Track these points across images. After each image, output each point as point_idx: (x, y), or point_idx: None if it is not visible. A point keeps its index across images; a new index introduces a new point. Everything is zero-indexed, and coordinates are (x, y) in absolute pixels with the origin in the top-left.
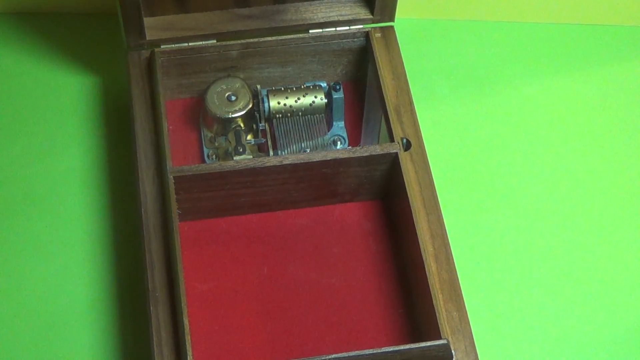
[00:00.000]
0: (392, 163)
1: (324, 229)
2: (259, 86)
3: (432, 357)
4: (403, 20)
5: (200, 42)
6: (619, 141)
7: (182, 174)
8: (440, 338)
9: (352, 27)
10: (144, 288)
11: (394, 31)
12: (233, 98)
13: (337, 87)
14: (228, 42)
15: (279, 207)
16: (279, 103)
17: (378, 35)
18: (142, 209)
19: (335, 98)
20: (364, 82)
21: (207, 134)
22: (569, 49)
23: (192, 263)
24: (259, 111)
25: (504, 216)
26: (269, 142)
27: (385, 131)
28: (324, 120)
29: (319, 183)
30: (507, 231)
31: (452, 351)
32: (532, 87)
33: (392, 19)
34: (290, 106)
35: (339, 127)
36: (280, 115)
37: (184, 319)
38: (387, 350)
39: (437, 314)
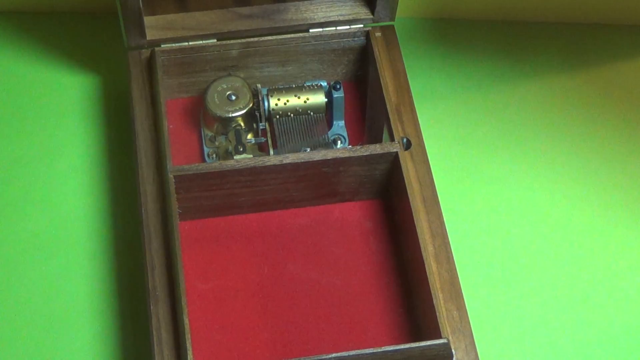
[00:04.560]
0: (393, 162)
1: (324, 229)
2: (259, 85)
3: (432, 356)
4: (403, 19)
5: (201, 42)
6: (619, 140)
7: (183, 173)
8: (440, 337)
9: (352, 27)
10: (144, 287)
11: (395, 30)
12: (233, 97)
13: (338, 87)
14: (228, 42)
15: (279, 206)
16: (279, 102)
17: (378, 34)
18: (142, 209)
19: (336, 97)
20: (365, 81)
21: (207, 133)
22: (569, 49)
23: (192, 262)
24: (259, 110)
25: (504, 215)
26: (269, 142)
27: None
28: (325, 119)
29: (319, 182)
30: (508, 230)
31: (452, 350)
32: (532, 87)
33: (392, 18)
34: (291, 105)
35: (340, 126)
36: (281, 115)
37: (184, 318)
38: (387, 349)
39: (437, 313)
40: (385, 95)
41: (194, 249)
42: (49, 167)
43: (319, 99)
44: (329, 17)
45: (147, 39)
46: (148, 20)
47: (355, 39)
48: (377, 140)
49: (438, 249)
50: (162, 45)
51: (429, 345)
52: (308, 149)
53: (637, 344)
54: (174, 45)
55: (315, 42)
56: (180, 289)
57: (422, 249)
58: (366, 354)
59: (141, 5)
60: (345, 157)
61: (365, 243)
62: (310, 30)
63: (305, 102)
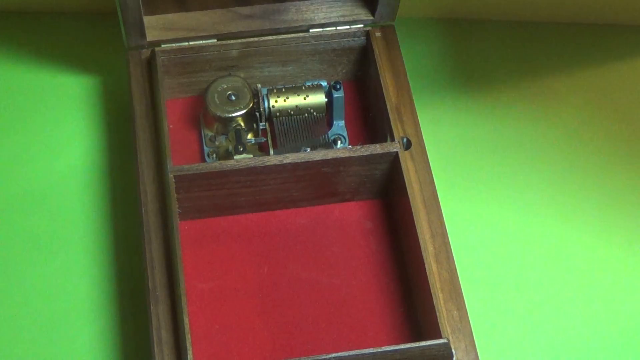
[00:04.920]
0: (393, 162)
1: (324, 228)
2: (259, 85)
3: (432, 356)
4: (403, 19)
5: (201, 42)
6: (619, 140)
7: (183, 173)
8: (440, 337)
9: (352, 27)
10: (144, 287)
11: (395, 30)
12: (233, 97)
13: (338, 87)
14: (228, 42)
15: (279, 206)
16: (279, 102)
17: (378, 34)
18: (142, 209)
19: (336, 97)
20: (365, 81)
21: (207, 133)
22: (569, 49)
23: (192, 262)
24: (259, 110)
25: (505, 215)
26: (270, 142)
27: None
28: (325, 119)
29: (319, 182)
30: (508, 230)
31: (452, 350)
32: (532, 87)
33: (392, 19)
34: (291, 105)
35: (340, 126)
36: (281, 115)
37: (184, 318)
38: (387, 349)
39: (437, 313)
40: (385, 95)
41: (194, 249)
42: (49, 167)
43: (319, 98)
44: (330, 17)
45: (147, 39)
46: (148, 20)
47: (355, 39)
48: (381, 140)
49: (438, 248)
50: (162, 45)
51: (429, 345)
52: (308, 149)
53: (637, 343)
54: (174, 45)
55: (315, 42)
56: (180, 289)
57: (422, 249)
58: (366, 354)
59: (141, 6)
60: (345, 157)
61: (365, 243)
62: (310, 30)
63: (305, 102)
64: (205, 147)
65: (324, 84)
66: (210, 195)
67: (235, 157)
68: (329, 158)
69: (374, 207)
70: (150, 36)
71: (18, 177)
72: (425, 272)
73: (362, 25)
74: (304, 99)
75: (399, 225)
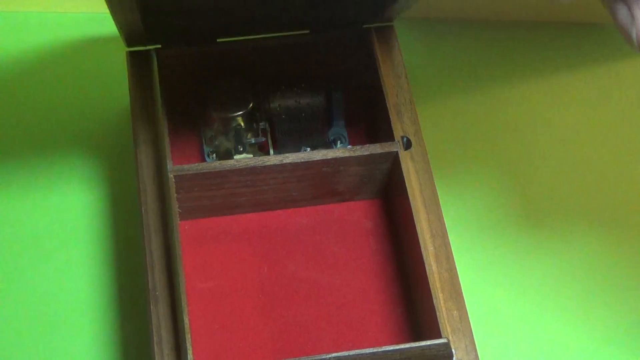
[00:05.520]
0: (393, 162)
1: (324, 228)
2: (259, 85)
3: (432, 356)
4: (403, 19)
5: (201, 42)
6: (619, 141)
7: (182, 173)
8: (440, 337)
9: (352, 27)
10: (144, 287)
11: (394, 30)
12: (233, 97)
13: (338, 87)
14: (229, 42)
15: (279, 206)
16: (279, 102)
17: (378, 34)
18: (142, 208)
19: (336, 97)
20: (365, 81)
21: (207, 133)
22: (569, 49)
23: (192, 262)
24: (259, 110)
25: (505, 215)
26: (270, 141)
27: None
28: (325, 119)
29: (319, 182)
30: (508, 230)
31: (453, 350)
32: (532, 87)
33: (392, 20)
34: (291, 105)
35: (340, 125)
36: (281, 114)
37: (184, 317)
38: (387, 349)
39: (437, 313)
40: (385, 95)
41: (194, 248)
42: (49, 167)
43: (319, 98)
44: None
45: (147, 39)
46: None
47: (356, 38)
48: (381, 140)
49: (438, 248)
50: (162, 46)
51: (429, 345)
52: (308, 149)
53: (637, 342)
54: (174, 45)
55: (315, 42)
56: (180, 289)
57: (422, 249)
58: (366, 354)
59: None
60: (345, 157)
61: (365, 243)
62: (311, 30)
63: (305, 102)
64: (205, 147)
65: (324, 84)
66: (210, 195)
67: (235, 157)
68: (329, 158)
69: (374, 207)
70: (150, 37)
71: (18, 177)
72: (425, 272)
73: (362, 25)
74: (304, 99)
75: (399, 225)
